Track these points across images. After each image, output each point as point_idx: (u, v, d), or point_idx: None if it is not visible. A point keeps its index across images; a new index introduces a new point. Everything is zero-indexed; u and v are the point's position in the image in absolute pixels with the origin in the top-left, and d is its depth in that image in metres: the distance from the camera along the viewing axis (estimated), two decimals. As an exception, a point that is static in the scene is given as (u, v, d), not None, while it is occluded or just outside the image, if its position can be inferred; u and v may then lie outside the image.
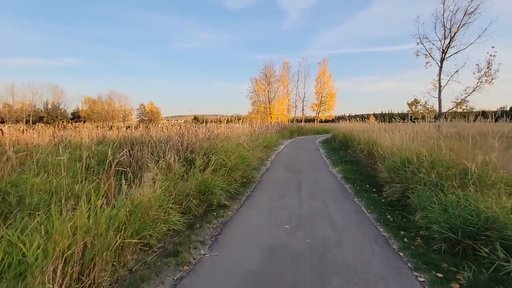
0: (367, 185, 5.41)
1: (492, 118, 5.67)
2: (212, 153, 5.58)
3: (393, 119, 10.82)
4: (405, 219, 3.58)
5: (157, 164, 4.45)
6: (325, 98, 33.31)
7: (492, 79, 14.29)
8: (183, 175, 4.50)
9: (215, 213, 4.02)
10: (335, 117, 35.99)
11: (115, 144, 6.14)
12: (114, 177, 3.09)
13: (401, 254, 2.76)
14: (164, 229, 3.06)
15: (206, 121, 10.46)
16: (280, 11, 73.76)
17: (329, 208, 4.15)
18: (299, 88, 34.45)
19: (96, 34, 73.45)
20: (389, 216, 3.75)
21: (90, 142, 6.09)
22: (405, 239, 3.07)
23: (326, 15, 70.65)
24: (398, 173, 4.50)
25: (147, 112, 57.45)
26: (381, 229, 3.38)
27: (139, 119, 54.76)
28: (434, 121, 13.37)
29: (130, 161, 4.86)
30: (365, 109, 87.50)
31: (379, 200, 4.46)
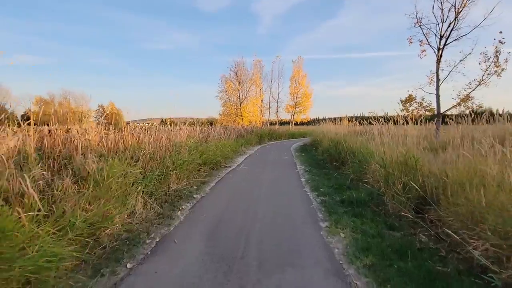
0: None
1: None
2: None
3: (385, 121, 6.71)
4: None
5: None
6: (300, 99, 29.84)
7: (502, 70, 11.47)
8: None
9: None
10: (310, 119, 32.90)
11: None
12: None
13: None
14: None
15: (172, 124, 9.56)
16: (253, 15, 71.13)
17: None
18: (272, 89, 30.62)
19: (49, 30, 63.61)
20: None
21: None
22: None
23: (297, 22, 69.00)
24: None
25: (107, 114, 50.21)
26: None
27: (97, 122, 47.31)
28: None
29: None
30: (336, 113, 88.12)
31: None
